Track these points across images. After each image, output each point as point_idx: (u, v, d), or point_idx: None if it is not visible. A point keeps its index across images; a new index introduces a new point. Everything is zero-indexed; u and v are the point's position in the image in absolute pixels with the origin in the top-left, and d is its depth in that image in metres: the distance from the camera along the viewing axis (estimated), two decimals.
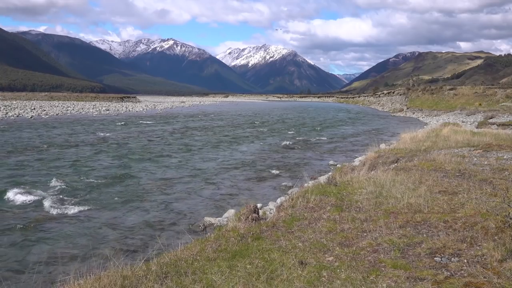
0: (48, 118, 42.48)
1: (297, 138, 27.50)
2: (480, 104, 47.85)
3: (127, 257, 6.76)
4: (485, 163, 8.97)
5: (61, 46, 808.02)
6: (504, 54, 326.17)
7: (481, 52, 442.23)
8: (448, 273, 3.88)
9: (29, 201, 10.55)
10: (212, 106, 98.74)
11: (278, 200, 9.80)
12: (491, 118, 32.50)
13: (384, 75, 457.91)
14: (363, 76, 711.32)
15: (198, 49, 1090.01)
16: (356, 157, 18.37)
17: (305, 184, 9.30)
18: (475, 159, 9.57)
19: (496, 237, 4.50)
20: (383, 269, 4.09)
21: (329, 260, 4.38)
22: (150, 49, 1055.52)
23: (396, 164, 10.34)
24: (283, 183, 13.29)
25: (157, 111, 64.06)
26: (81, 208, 10.04)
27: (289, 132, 32.12)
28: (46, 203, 10.31)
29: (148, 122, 40.06)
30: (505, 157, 9.49)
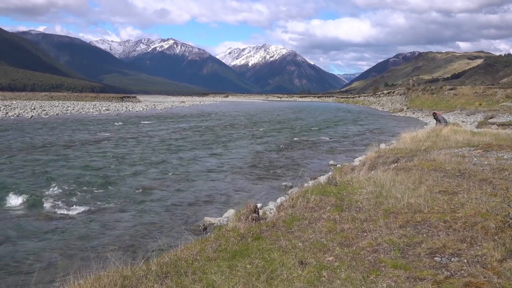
0: (48, 118, 42.47)
1: (297, 138, 27.49)
2: (480, 104, 47.84)
3: (127, 257, 6.76)
4: (485, 163, 8.96)
5: (61, 46, 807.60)
6: (504, 54, 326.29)
7: (481, 52, 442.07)
8: (448, 273, 3.88)
9: (28, 201, 10.54)
10: (212, 106, 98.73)
11: (278, 200, 9.80)
12: (491, 118, 32.51)
13: (384, 75, 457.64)
14: (363, 76, 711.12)
15: (198, 49, 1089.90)
16: (356, 157, 18.37)
17: (305, 184, 9.31)
18: (475, 159, 9.57)
19: (496, 237, 4.50)
20: (383, 269, 4.08)
21: (329, 260, 4.38)
22: (150, 49, 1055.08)
23: (396, 164, 10.33)
24: (283, 183, 13.29)
25: (157, 111, 64.05)
26: (81, 208, 10.04)
27: (289, 132, 32.12)
28: (46, 203, 10.31)
29: (148, 122, 40.07)
30: (505, 157, 9.48)
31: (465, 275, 3.79)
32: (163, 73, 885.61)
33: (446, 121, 19.53)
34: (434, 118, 20.23)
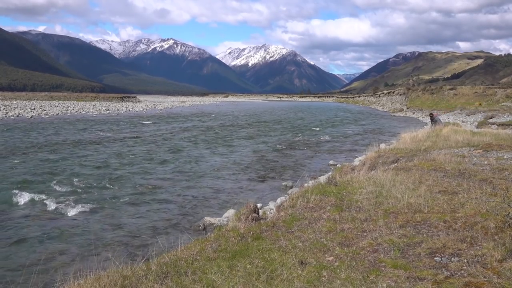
0: (48, 118, 42.47)
1: (297, 138, 27.49)
2: (480, 104, 47.83)
3: (127, 257, 6.76)
4: (485, 163, 8.96)
5: (61, 46, 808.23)
6: (504, 54, 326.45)
7: (481, 52, 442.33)
8: (448, 273, 3.88)
9: (28, 201, 10.55)
10: (212, 106, 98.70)
11: (278, 200, 9.80)
12: (491, 118, 32.49)
13: (384, 75, 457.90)
14: (363, 76, 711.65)
15: (198, 49, 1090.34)
16: (356, 157, 18.37)
17: (305, 184, 9.31)
18: (475, 159, 9.57)
19: (496, 237, 4.50)
20: (383, 269, 4.08)
21: (329, 260, 4.38)
22: (150, 49, 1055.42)
23: (396, 164, 10.34)
24: (283, 183, 13.28)
25: (157, 111, 64.03)
26: (81, 208, 10.03)
27: (289, 132, 32.12)
28: (46, 203, 10.31)
29: (148, 122, 40.06)
30: (505, 157, 9.48)
31: (465, 275, 3.79)
32: (163, 73, 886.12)
33: (442, 123, 19.37)
34: (431, 119, 19.96)
